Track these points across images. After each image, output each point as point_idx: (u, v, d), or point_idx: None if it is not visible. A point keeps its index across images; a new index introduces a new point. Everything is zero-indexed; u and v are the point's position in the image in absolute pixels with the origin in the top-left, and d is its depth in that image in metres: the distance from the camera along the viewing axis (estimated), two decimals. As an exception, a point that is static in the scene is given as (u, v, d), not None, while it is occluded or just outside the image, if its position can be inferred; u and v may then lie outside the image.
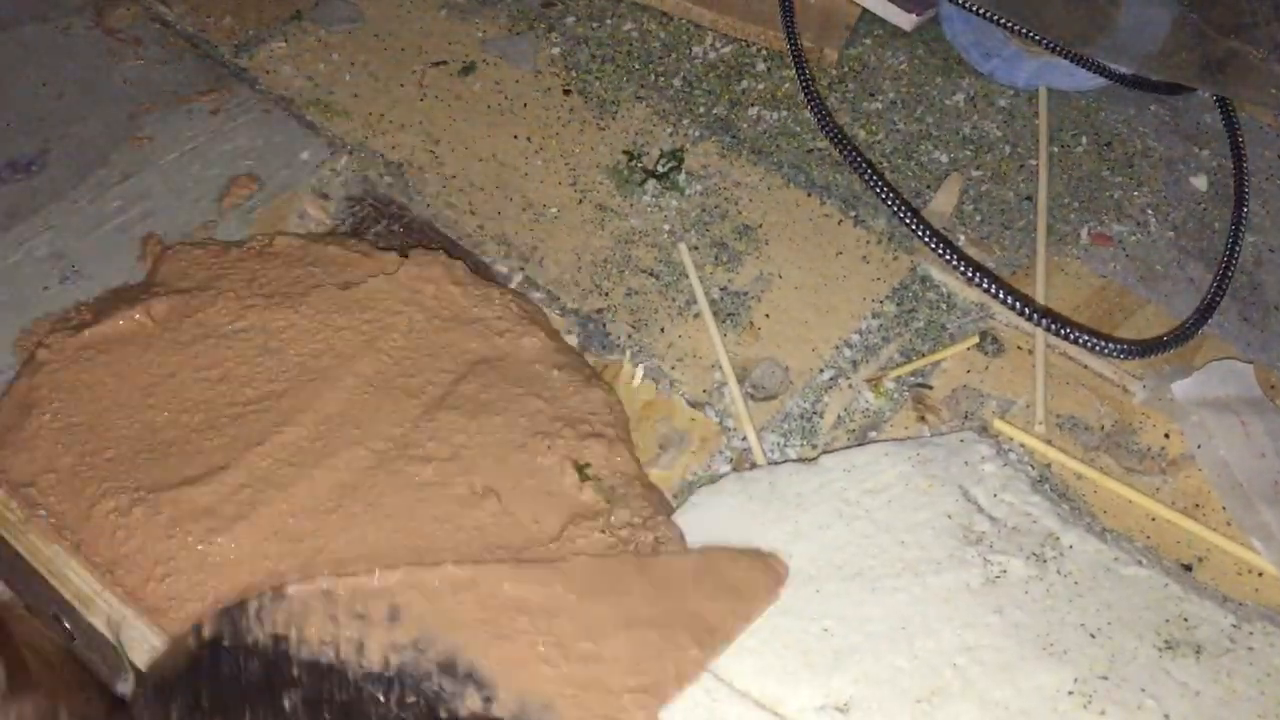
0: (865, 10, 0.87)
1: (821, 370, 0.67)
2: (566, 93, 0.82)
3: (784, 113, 0.81)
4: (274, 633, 0.50)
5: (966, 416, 0.65)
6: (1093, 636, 0.56)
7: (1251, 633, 0.56)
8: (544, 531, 0.56)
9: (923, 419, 0.65)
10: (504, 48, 0.84)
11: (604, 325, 0.69)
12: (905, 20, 0.86)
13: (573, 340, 0.68)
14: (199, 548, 0.55)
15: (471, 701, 0.50)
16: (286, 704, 0.49)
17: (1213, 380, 0.65)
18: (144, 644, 0.54)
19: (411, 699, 0.50)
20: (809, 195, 0.76)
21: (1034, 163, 0.79)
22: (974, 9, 0.81)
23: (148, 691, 0.50)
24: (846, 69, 0.85)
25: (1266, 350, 0.70)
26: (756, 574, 0.56)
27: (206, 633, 0.50)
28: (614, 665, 0.51)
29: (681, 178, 0.76)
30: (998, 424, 0.65)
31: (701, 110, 0.81)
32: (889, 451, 0.62)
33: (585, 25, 0.87)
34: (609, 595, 0.53)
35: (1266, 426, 0.63)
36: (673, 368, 0.67)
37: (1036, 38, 0.81)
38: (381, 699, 0.49)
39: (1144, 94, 0.84)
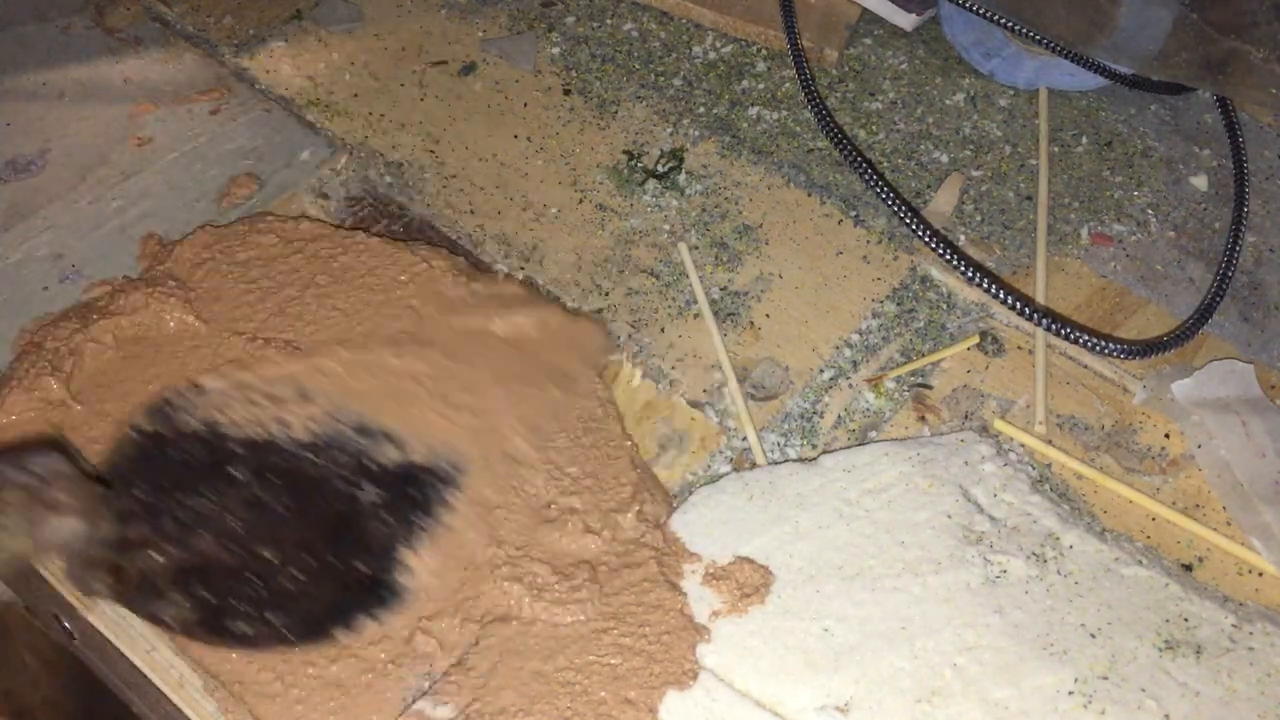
0: (865, 10, 0.87)
1: (821, 370, 0.67)
2: (566, 93, 0.82)
3: (784, 113, 0.81)
4: (205, 419, 0.57)
5: (966, 416, 0.65)
6: (1093, 636, 0.56)
7: (1252, 633, 0.56)
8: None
9: (923, 419, 0.65)
10: (504, 48, 0.84)
11: (604, 325, 0.69)
12: (905, 20, 0.86)
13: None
14: None
15: (390, 452, 0.59)
16: (238, 475, 0.56)
17: (1213, 380, 0.65)
18: (143, 644, 0.55)
19: (340, 457, 0.58)
20: (809, 195, 0.76)
21: (1034, 162, 0.79)
22: (974, 9, 0.81)
23: (110, 486, 0.54)
24: (847, 69, 0.85)
25: (1267, 350, 0.70)
26: (590, 329, 0.67)
27: (147, 427, 0.56)
28: (496, 411, 0.62)
29: (681, 178, 0.76)
30: (998, 424, 0.65)
31: (701, 110, 0.81)
32: (889, 451, 0.62)
33: (585, 25, 0.87)
34: (477, 358, 0.64)
35: (1267, 426, 0.63)
36: (673, 368, 0.67)
37: (1036, 38, 0.81)
38: (316, 459, 0.57)
39: (1144, 94, 0.84)
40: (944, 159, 0.79)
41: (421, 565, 0.55)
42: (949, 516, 0.59)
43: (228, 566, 0.53)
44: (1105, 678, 0.54)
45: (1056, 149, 0.80)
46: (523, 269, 0.71)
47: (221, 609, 0.52)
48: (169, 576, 0.52)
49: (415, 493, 0.57)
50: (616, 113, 0.80)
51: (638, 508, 0.59)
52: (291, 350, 0.62)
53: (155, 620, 0.52)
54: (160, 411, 0.56)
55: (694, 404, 0.65)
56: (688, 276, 0.71)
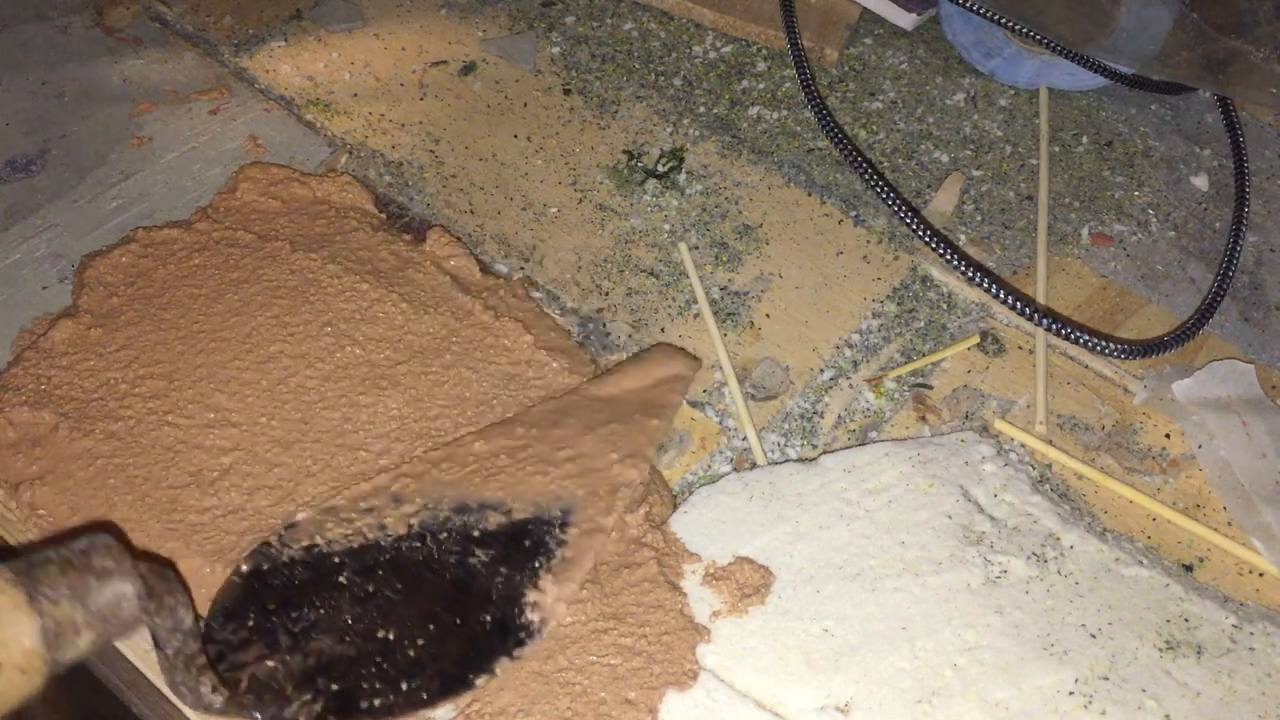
0: (865, 10, 0.87)
1: (822, 370, 0.67)
2: (566, 92, 0.82)
3: (784, 112, 0.81)
4: (304, 545, 0.56)
5: (967, 416, 0.65)
6: (1093, 637, 0.56)
7: (1252, 633, 0.56)
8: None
9: (923, 419, 0.65)
10: (504, 47, 0.84)
11: (604, 325, 0.69)
12: (905, 20, 0.86)
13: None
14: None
15: (495, 519, 0.57)
16: (344, 580, 0.55)
17: (1214, 380, 0.65)
18: (143, 644, 0.54)
19: (444, 537, 0.57)
20: (809, 195, 0.76)
21: (1035, 162, 0.79)
22: (974, 9, 0.81)
23: (217, 623, 0.53)
24: (847, 68, 0.85)
25: (1267, 350, 0.70)
26: (675, 362, 0.66)
27: (246, 568, 0.55)
28: (595, 454, 0.60)
29: (681, 177, 0.76)
30: (998, 424, 0.65)
31: (702, 110, 0.81)
32: (889, 452, 0.62)
33: (585, 25, 0.87)
34: (565, 419, 0.62)
35: (1268, 427, 0.63)
36: (673, 368, 0.67)
37: (1037, 37, 0.81)
38: (420, 546, 0.56)
39: (1145, 94, 0.84)
40: (944, 159, 0.79)
41: (546, 596, 0.54)
42: (949, 517, 0.59)
43: (348, 657, 0.52)
44: (1106, 678, 0.54)
45: (1057, 149, 0.80)
46: (522, 269, 0.71)
47: (350, 693, 0.51)
48: (290, 681, 0.51)
49: (529, 543, 0.56)
50: (616, 112, 0.80)
51: (646, 509, 0.59)
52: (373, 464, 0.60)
53: None
54: (258, 554, 0.55)
55: (694, 404, 0.65)
56: (688, 276, 0.71)
